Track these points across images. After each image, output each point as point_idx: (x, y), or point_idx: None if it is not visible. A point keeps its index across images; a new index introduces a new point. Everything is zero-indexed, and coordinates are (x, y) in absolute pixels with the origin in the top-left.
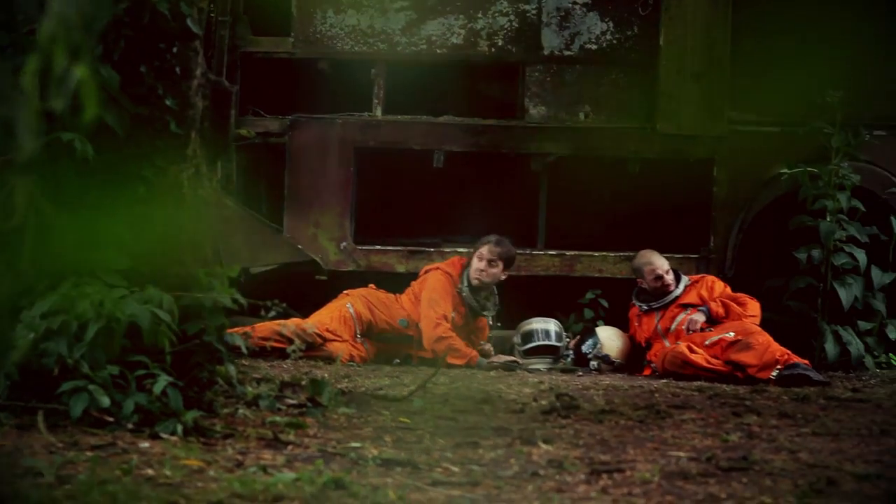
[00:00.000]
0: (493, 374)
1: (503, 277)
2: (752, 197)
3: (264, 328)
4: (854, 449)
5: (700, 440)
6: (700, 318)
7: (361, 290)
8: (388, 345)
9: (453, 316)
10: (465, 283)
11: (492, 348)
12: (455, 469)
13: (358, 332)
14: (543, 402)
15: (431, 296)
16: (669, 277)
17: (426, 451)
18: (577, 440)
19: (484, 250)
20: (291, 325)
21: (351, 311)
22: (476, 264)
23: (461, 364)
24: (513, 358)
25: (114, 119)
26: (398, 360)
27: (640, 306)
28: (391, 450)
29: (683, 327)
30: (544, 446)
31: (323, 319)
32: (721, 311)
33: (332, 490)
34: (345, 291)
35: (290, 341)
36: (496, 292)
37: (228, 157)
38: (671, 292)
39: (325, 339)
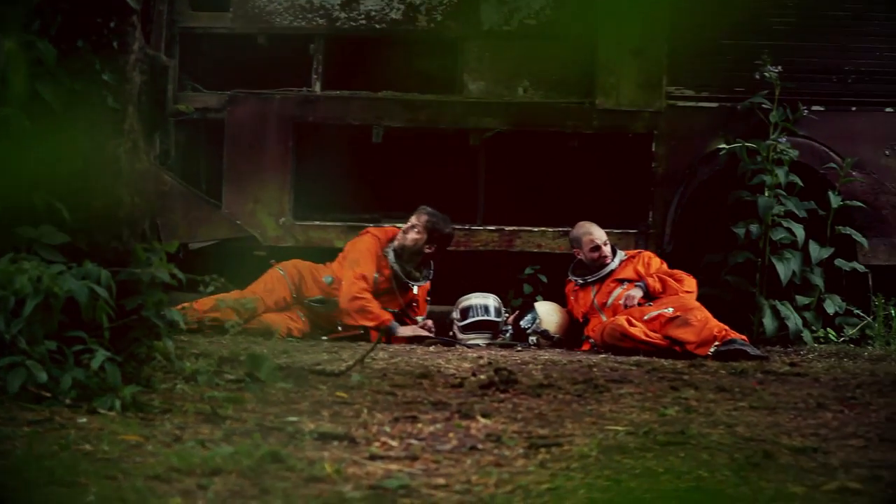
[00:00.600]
0: (432, 350)
1: (427, 251)
2: (690, 172)
3: (205, 302)
4: (791, 423)
5: (638, 414)
6: (637, 293)
7: (289, 261)
8: (320, 315)
9: (376, 277)
10: (391, 248)
11: (432, 324)
12: (393, 443)
13: (292, 292)
14: (482, 377)
15: (354, 256)
16: (607, 249)
17: (364, 425)
18: (515, 414)
19: (413, 217)
20: (230, 298)
21: (282, 272)
22: (409, 234)
23: (372, 326)
24: (423, 333)
25: (50, 93)
26: (325, 337)
27: (575, 280)
28: (329, 424)
29: (620, 302)
30: (483, 420)
31: (257, 290)
32: (658, 286)
33: (269, 463)
34: (272, 263)
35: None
36: (431, 267)
37: (166, 132)
38: (607, 265)
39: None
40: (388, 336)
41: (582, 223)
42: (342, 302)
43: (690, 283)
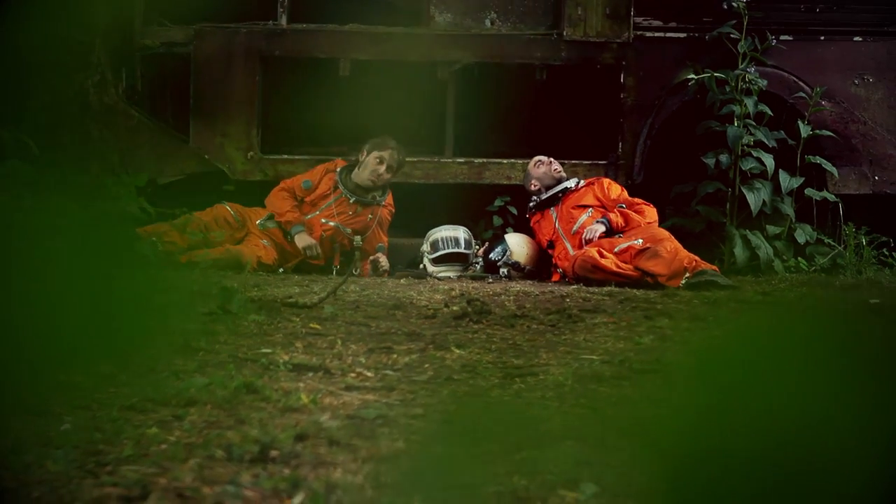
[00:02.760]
0: (403, 282)
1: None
2: (659, 103)
3: (147, 229)
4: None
5: (613, 343)
6: (600, 227)
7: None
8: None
9: (307, 183)
10: (342, 171)
11: (384, 258)
12: (368, 374)
13: (235, 215)
14: (455, 308)
15: (298, 176)
16: (533, 186)
17: (338, 356)
18: (489, 345)
19: (385, 154)
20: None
21: (225, 204)
22: (373, 166)
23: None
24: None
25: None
26: (282, 269)
27: (531, 208)
28: (303, 355)
29: (584, 236)
30: (457, 351)
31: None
32: (621, 221)
33: (244, 394)
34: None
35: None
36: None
37: (132, 67)
38: (551, 186)
39: (222, 240)
40: (346, 259)
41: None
42: (283, 224)
43: (651, 213)
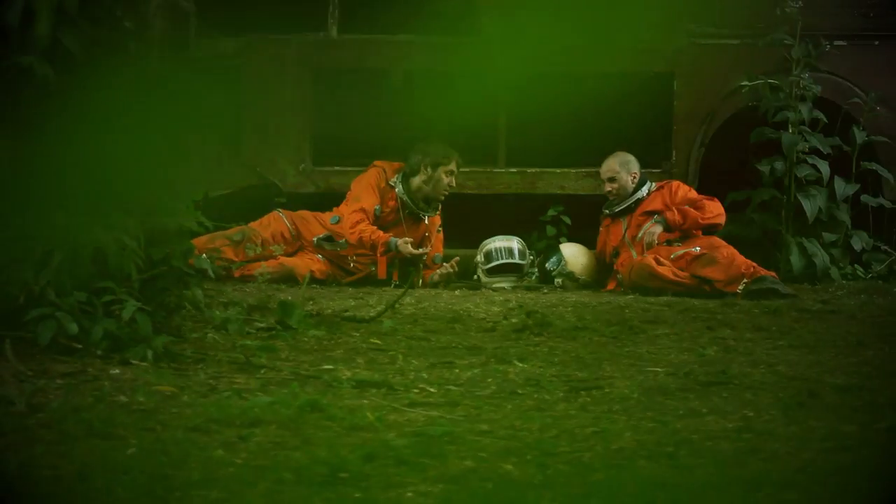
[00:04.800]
0: (458, 294)
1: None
2: (713, 110)
3: (201, 239)
4: (832, 361)
5: (676, 355)
6: (657, 229)
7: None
8: (336, 256)
9: (378, 209)
10: (401, 181)
11: (456, 262)
12: (432, 390)
13: (290, 229)
14: (514, 320)
15: (357, 192)
16: (612, 185)
17: (400, 372)
18: (552, 358)
19: (454, 167)
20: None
21: (280, 212)
22: (445, 180)
23: (372, 248)
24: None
25: (71, 40)
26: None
27: (605, 213)
28: (365, 371)
29: (641, 237)
30: (520, 364)
31: (252, 225)
32: (678, 218)
33: (309, 413)
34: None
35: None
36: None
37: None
38: (626, 197)
39: (279, 255)
40: (390, 251)
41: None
42: (344, 235)
43: (713, 207)
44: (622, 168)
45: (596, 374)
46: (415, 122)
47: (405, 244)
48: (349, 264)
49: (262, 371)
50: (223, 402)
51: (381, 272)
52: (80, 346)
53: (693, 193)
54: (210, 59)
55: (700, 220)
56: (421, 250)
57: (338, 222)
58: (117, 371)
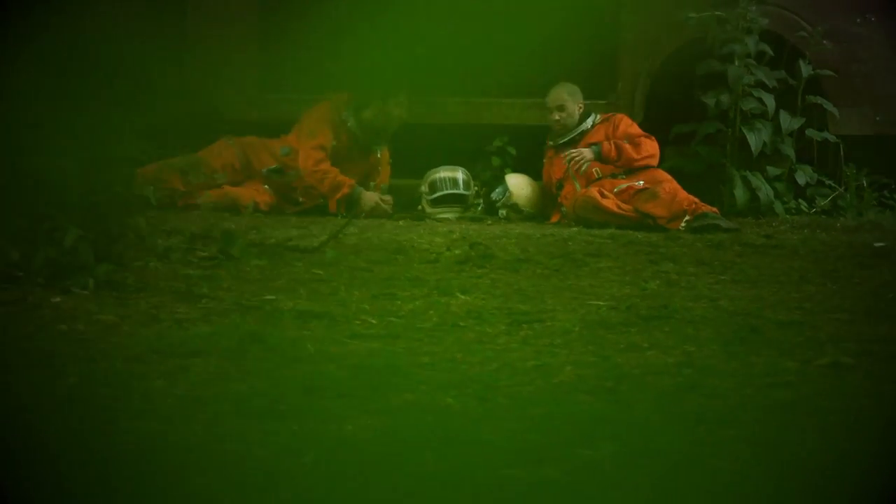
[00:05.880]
0: (401, 224)
1: None
2: (659, 42)
3: (148, 168)
4: (774, 296)
5: (618, 289)
6: (588, 154)
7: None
8: (283, 187)
9: (334, 144)
10: (352, 114)
11: (391, 199)
12: (373, 321)
13: (240, 158)
14: (457, 252)
15: (310, 125)
16: (559, 114)
17: (342, 303)
18: (494, 290)
19: (404, 98)
20: (176, 160)
21: (230, 141)
22: (398, 112)
23: (334, 195)
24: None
25: None
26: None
27: (549, 144)
28: (306, 302)
29: (567, 159)
30: (462, 297)
31: (202, 154)
32: (613, 153)
33: (250, 344)
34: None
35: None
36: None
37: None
38: (571, 128)
39: (223, 183)
40: (351, 204)
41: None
42: (302, 173)
43: (649, 147)
44: (570, 97)
45: (538, 307)
46: (361, 49)
47: (368, 197)
48: (297, 196)
49: (204, 301)
50: (164, 332)
51: (332, 206)
52: (21, 274)
53: (635, 128)
54: None
55: (633, 159)
56: (383, 200)
57: (288, 154)
58: (58, 299)
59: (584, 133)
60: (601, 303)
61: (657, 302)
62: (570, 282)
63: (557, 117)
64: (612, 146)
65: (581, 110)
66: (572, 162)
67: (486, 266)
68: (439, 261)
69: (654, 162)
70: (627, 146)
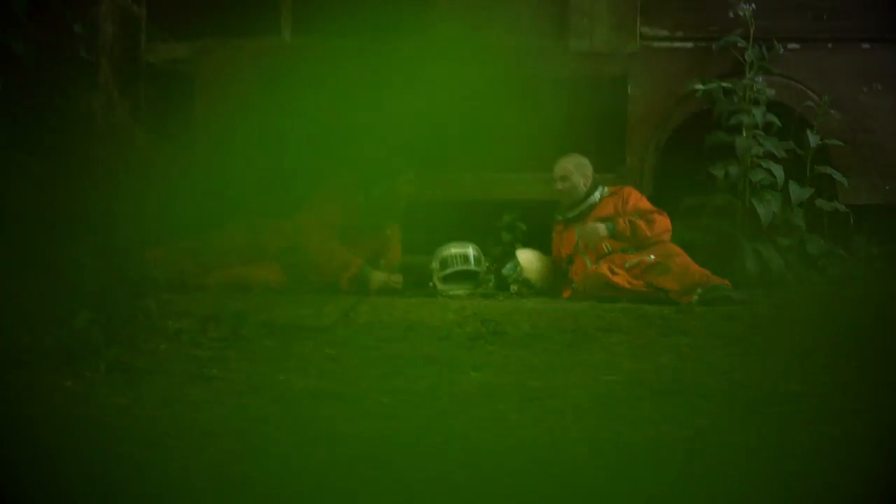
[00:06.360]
0: (413, 301)
1: None
2: (667, 114)
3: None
4: (786, 367)
5: (630, 363)
6: (602, 230)
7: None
8: (294, 266)
9: (343, 223)
10: (360, 192)
11: (401, 277)
12: (385, 400)
13: (253, 239)
14: (469, 329)
15: (317, 203)
16: (563, 184)
17: (354, 382)
18: (506, 367)
19: (412, 174)
20: (187, 243)
21: (241, 224)
22: (405, 188)
23: (343, 273)
24: (396, 284)
25: (21, 46)
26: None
27: (558, 218)
28: (318, 381)
29: (581, 236)
30: (474, 374)
31: (214, 237)
32: (627, 231)
33: (262, 425)
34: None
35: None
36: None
37: (138, 85)
38: (579, 201)
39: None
40: (361, 282)
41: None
42: (311, 252)
43: (661, 223)
44: (576, 169)
45: (550, 383)
46: (365, 126)
47: (377, 277)
48: (308, 275)
49: (216, 382)
50: (177, 414)
51: (343, 284)
52: (31, 358)
53: (645, 203)
54: (162, 64)
55: (647, 237)
56: (392, 279)
57: (298, 233)
58: (70, 383)
59: (592, 206)
60: (613, 377)
61: (669, 376)
62: (581, 357)
63: (560, 187)
64: (627, 224)
65: (588, 183)
66: (584, 237)
67: (497, 342)
68: (451, 338)
69: (668, 237)
70: (641, 224)
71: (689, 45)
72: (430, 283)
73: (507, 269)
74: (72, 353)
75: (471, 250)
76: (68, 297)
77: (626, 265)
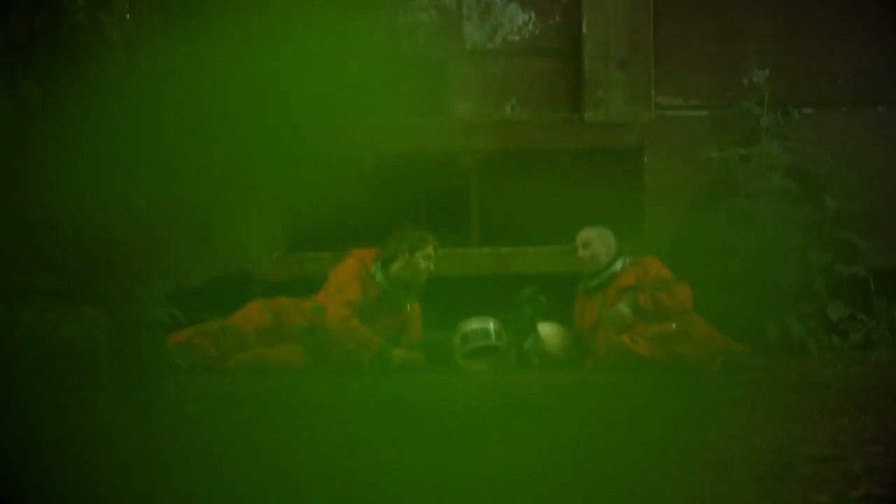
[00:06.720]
0: (435, 378)
1: None
2: (684, 183)
3: (181, 333)
4: (807, 432)
5: (651, 432)
6: (626, 310)
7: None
8: (314, 346)
9: (362, 300)
10: (379, 269)
11: (422, 354)
12: (407, 479)
13: (271, 320)
14: (491, 404)
15: (338, 282)
16: (585, 253)
17: (375, 461)
18: (529, 440)
19: (431, 251)
20: (208, 325)
21: (259, 303)
22: (424, 265)
23: (362, 351)
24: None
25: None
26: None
27: (580, 288)
28: (339, 461)
29: (608, 318)
30: (497, 448)
31: (233, 319)
32: (650, 304)
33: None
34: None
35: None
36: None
37: None
38: (601, 271)
39: (254, 344)
40: (381, 361)
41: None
42: (330, 330)
43: (683, 292)
44: (598, 238)
45: (572, 456)
46: (387, 204)
47: (398, 355)
48: (329, 354)
49: (236, 463)
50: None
51: (366, 363)
52: (52, 445)
53: (665, 272)
54: None
55: (669, 307)
56: (414, 357)
57: (319, 312)
58: (90, 469)
59: (614, 275)
60: (634, 446)
61: (690, 442)
62: (603, 428)
63: (582, 255)
64: (649, 298)
65: (610, 253)
66: (610, 322)
67: (520, 416)
68: (473, 414)
69: (689, 306)
70: (663, 296)
71: (704, 112)
72: (452, 359)
73: (528, 343)
74: (94, 439)
75: (491, 325)
76: (88, 380)
77: (648, 335)
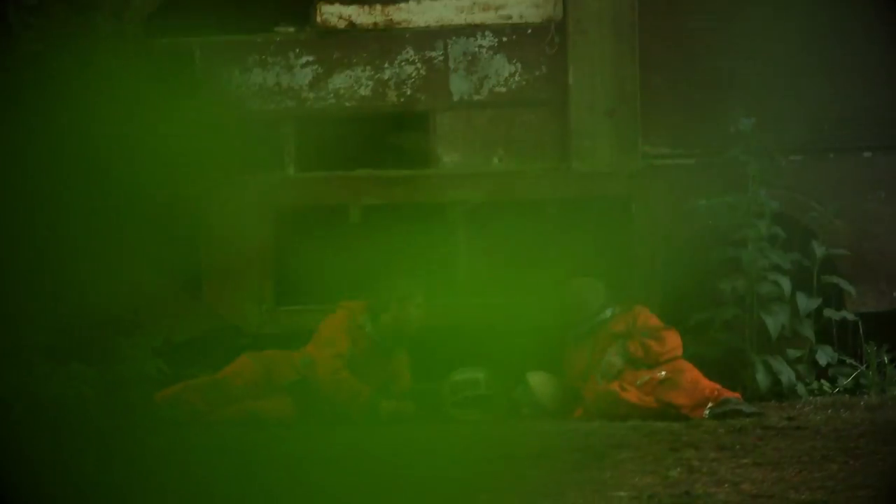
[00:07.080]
0: (424, 428)
1: None
2: (671, 231)
3: (168, 391)
4: (796, 477)
5: (640, 478)
6: (617, 362)
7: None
8: (304, 399)
9: (352, 352)
10: (369, 320)
11: (412, 405)
12: None
13: (262, 374)
14: (480, 453)
15: (327, 334)
16: (573, 300)
17: None
18: (517, 487)
19: (421, 299)
20: (197, 381)
21: (249, 358)
22: (416, 314)
23: (352, 403)
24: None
25: None
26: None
27: (569, 336)
28: None
29: (601, 371)
30: (484, 496)
31: (223, 374)
32: (640, 352)
33: None
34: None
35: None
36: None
37: None
38: (589, 319)
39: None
40: (372, 412)
41: None
42: (320, 382)
43: (671, 339)
44: (587, 287)
45: (559, 501)
46: (375, 256)
47: (387, 406)
48: (318, 406)
49: None
50: None
51: (355, 414)
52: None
53: (654, 320)
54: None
55: (659, 355)
56: (403, 407)
57: (309, 365)
58: None
59: (603, 322)
60: (623, 493)
61: (679, 489)
62: (591, 474)
63: (571, 302)
64: (639, 346)
65: (600, 300)
66: (603, 374)
67: (509, 465)
68: (461, 463)
69: (678, 353)
70: (653, 343)
71: (691, 161)
72: (442, 409)
73: (518, 392)
74: (81, 493)
75: (481, 374)
76: (76, 437)
77: (638, 382)
